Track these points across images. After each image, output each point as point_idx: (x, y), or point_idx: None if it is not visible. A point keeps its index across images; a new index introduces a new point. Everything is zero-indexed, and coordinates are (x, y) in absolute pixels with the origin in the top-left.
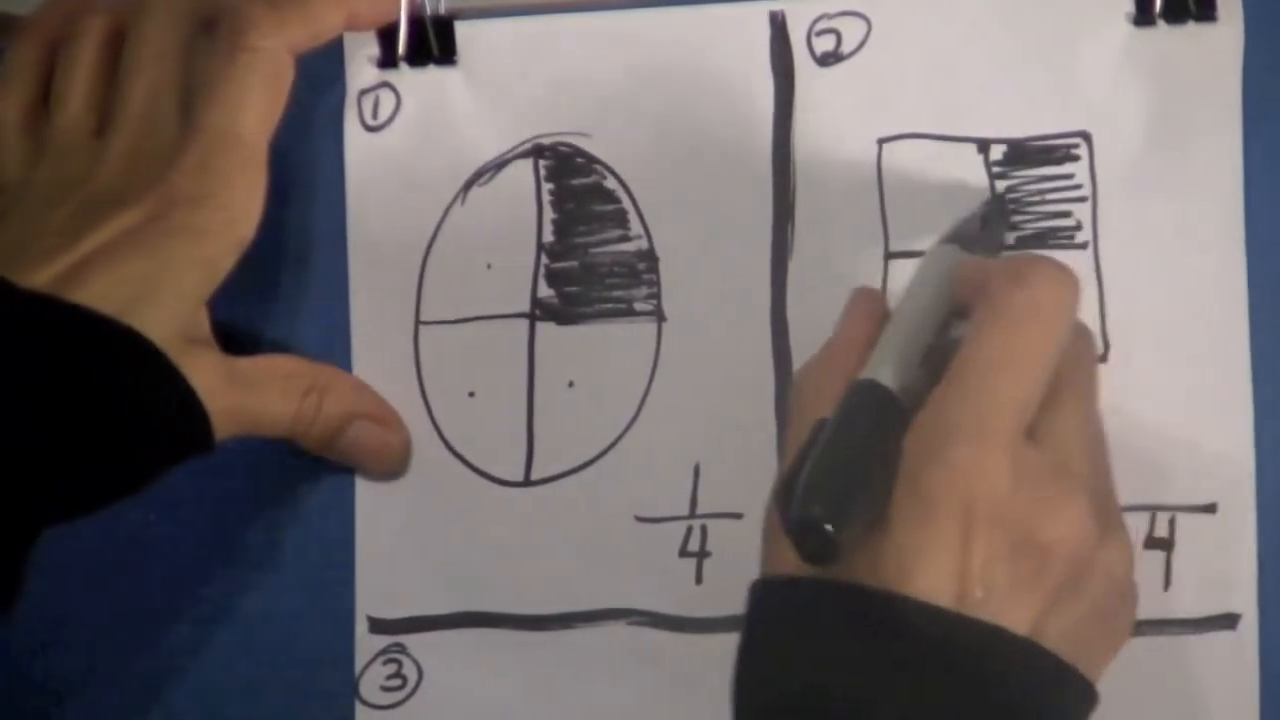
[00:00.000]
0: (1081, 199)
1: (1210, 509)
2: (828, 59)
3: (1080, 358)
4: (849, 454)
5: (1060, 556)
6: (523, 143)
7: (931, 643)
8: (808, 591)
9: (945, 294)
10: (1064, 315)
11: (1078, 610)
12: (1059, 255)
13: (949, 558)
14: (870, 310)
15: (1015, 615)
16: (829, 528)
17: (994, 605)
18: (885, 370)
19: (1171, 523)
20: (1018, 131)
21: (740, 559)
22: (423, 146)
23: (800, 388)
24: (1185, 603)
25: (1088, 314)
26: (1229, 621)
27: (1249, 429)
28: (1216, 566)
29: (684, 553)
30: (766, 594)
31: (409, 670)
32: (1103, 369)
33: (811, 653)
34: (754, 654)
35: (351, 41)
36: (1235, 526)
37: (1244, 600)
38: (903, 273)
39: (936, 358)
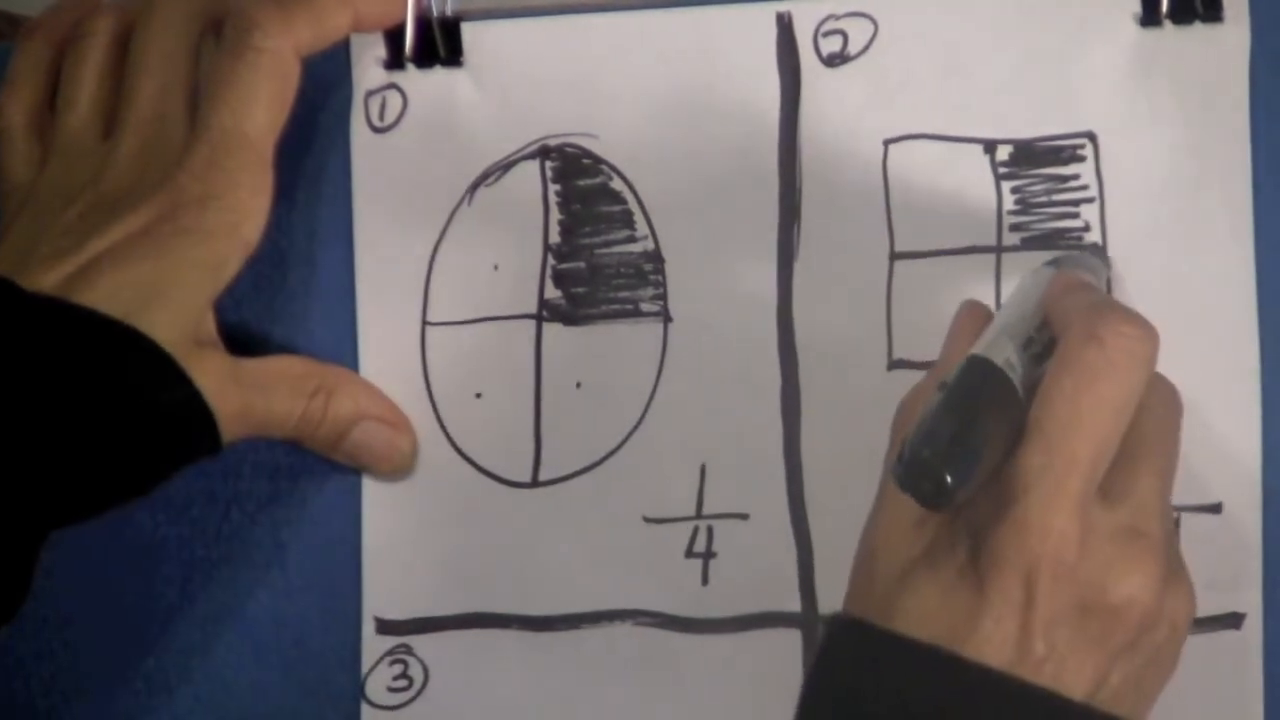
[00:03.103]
0: (1089, 200)
1: (1216, 509)
2: (834, 59)
3: (1161, 413)
4: (958, 411)
5: (1128, 619)
6: (529, 144)
7: (990, 705)
8: (872, 640)
9: (1039, 309)
10: (1138, 373)
11: (1139, 661)
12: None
13: (1011, 614)
14: (974, 327)
15: (1076, 674)
16: (945, 474)
17: (1055, 664)
18: (991, 351)
19: (1177, 522)
20: (1024, 132)
21: (746, 560)
22: (429, 147)
23: (907, 406)
24: None
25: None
26: (1234, 621)
27: (1256, 429)
28: (1222, 566)
29: (690, 553)
30: (836, 634)
31: (415, 671)
32: None
33: (869, 707)
34: (814, 702)
35: (358, 43)
36: (1241, 526)
37: (1249, 600)
38: (909, 273)
39: (1036, 348)
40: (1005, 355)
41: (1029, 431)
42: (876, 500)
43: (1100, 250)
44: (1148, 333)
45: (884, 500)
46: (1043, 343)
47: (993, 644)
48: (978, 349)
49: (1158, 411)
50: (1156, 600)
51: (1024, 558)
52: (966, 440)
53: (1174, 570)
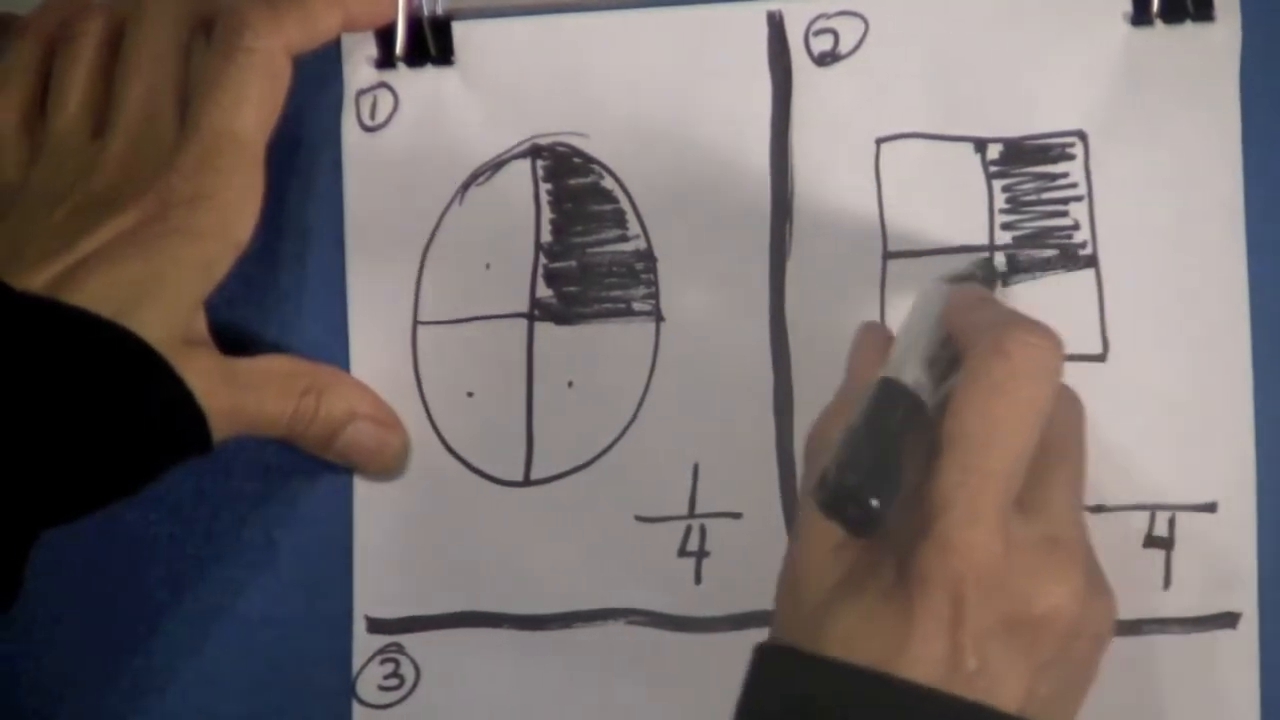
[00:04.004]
0: (1079, 198)
1: (1210, 508)
2: (825, 59)
3: (1068, 422)
4: (877, 435)
5: (1054, 629)
6: (520, 143)
7: None
8: (804, 666)
9: (940, 326)
10: (1046, 383)
11: (1065, 671)
12: (1057, 253)
13: (940, 632)
14: (877, 348)
15: (1008, 687)
16: (869, 498)
17: (987, 678)
18: (899, 372)
19: (1171, 522)
20: (1015, 131)
21: (739, 558)
22: (420, 147)
23: (820, 429)
24: (1186, 602)
25: (1087, 314)
26: (1229, 620)
27: (1249, 427)
28: (1217, 565)
29: (683, 552)
30: (766, 662)
31: (406, 670)
32: (1102, 368)
33: None
34: None
35: (349, 42)
36: (1235, 525)
37: (1244, 599)
38: (901, 272)
39: (940, 365)
40: (914, 375)
41: (943, 448)
42: (795, 527)
43: (988, 261)
44: (1053, 342)
45: (803, 527)
46: (947, 359)
47: (924, 663)
48: (887, 371)
49: (1064, 419)
50: (1081, 608)
51: (949, 574)
52: (888, 464)
53: (1094, 578)
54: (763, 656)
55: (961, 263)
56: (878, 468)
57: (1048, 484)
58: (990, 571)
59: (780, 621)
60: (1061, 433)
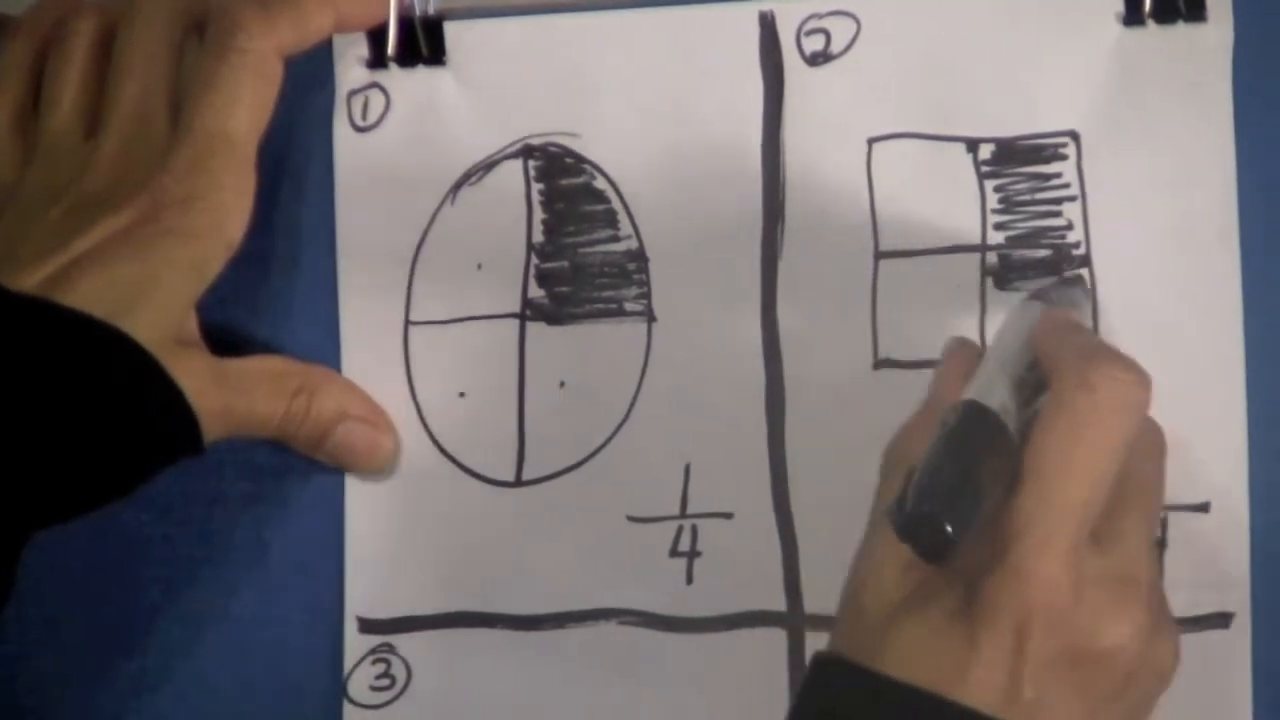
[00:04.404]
0: (1072, 198)
1: (1204, 508)
2: (817, 58)
3: (1148, 457)
4: (958, 460)
5: (1116, 666)
6: (512, 143)
7: None
8: (861, 681)
9: (1028, 347)
10: (1129, 418)
11: (1122, 709)
12: (1050, 253)
13: (1002, 661)
14: (963, 366)
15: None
16: (947, 526)
17: (1044, 710)
18: (985, 394)
19: (1164, 522)
20: (1007, 131)
21: (730, 559)
22: (412, 147)
23: (900, 444)
24: (1179, 602)
25: (1080, 314)
26: (1222, 620)
27: (1242, 427)
28: (1210, 565)
29: (675, 552)
30: (821, 672)
31: (398, 670)
32: None
33: None
34: None
35: (341, 42)
36: (1229, 525)
37: (1237, 599)
38: (893, 273)
39: (1027, 389)
40: (999, 398)
41: (1023, 477)
42: (866, 537)
43: (1080, 280)
44: (1140, 378)
45: (876, 538)
46: (1033, 383)
47: (982, 689)
48: (971, 393)
49: (1145, 455)
50: (1144, 648)
51: (1017, 605)
52: (967, 492)
53: (1161, 617)
54: (819, 666)
55: (1051, 280)
56: (956, 496)
57: (1123, 519)
58: (1058, 604)
59: (841, 632)
60: (1141, 467)
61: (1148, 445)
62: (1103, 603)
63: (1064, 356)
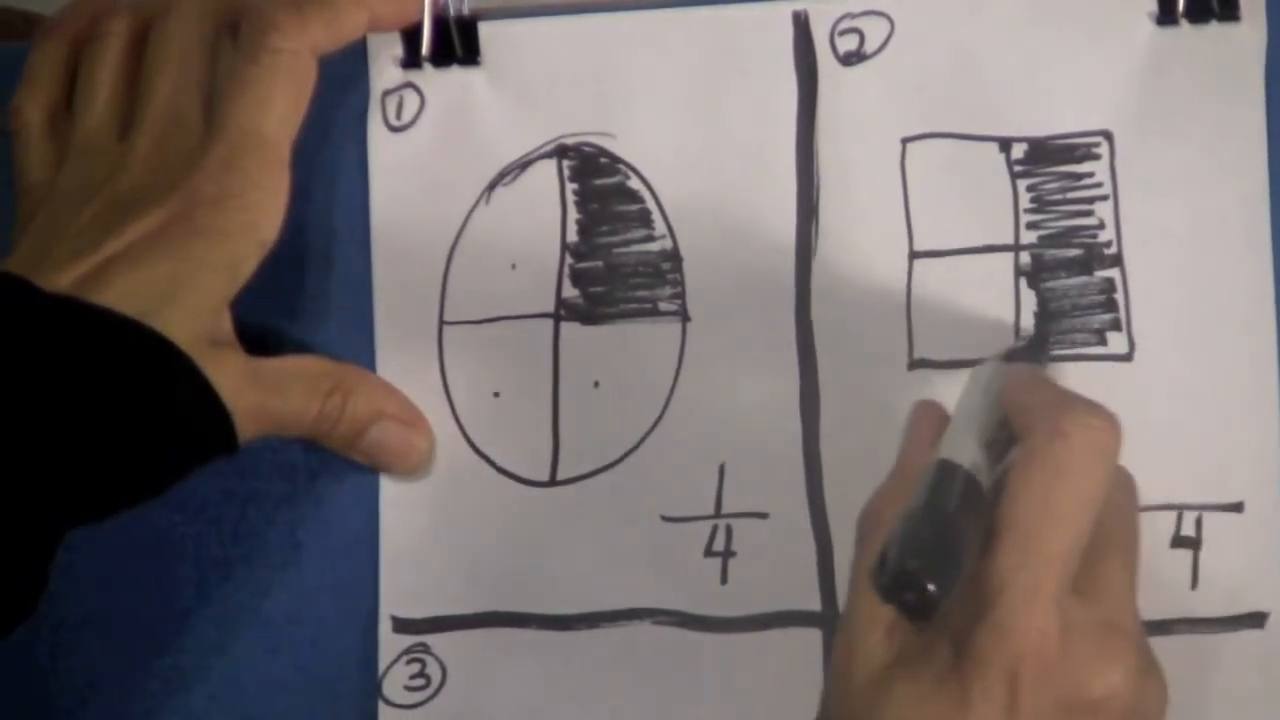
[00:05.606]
0: (1104, 197)
1: (1237, 507)
2: (851, 58)
3: (1122, 505)
4: (936, 518)
5: (1108, 712)
6: (546, 143)
7: None
8: None
9: (996, 405)
10: (1104, 464)
11: None
12: (1082, 252)
13: (996, 715)
14: (932, 428)
15: None
16: (929, 585)
17: None
18: (957, 453)
19: (1198, 522)
20: (1040, 130)
21: (765, 559)
22: (447, 147)
23: (874, 508)
24: (1212, 602)
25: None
26: (1257, 620)
27: (1275, 427)
28: (1244, 565)
29: (709, 552)
30: None
31: (433, 670)
32: (1128, 368)
33: None
34: None
35: (375, 42)
36: (1262, 525)
37: (1272, 598)
38: (927, 272)
39: (997, 447)
40: (971, 457)
41: (1000, 531)
42: (848, 603)
43: (1040, 341)
44: (1112, 423)
45: (857, 603)
46: (1003, 441)
47: None
48: (944, 453)
49: (1119, 501)
50: (1135, 693)
51: (1006, 658)
52: (948, 549)
53: (1148, 661)
54: None
55: (1005, 343)
56: (937, 553)
57: (1103, 566)
58: (1047, 655)
59: (829, 702)
60: (1116, 514)
61: (1121, 492)
62: (1091, 652)
63: (1035, 408)
